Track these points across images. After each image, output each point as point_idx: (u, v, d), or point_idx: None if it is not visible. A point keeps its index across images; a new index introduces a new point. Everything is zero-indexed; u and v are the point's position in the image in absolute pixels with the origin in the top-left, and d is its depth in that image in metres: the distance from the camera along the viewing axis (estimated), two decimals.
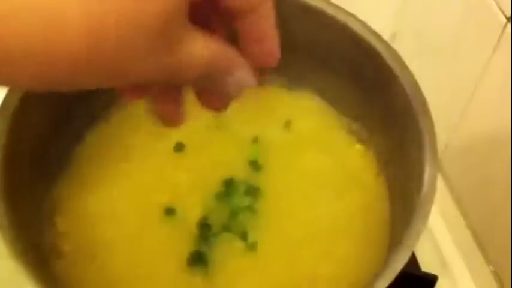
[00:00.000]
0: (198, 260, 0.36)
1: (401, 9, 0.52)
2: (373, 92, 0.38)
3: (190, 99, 0.40)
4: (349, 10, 0.38)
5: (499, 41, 0.40)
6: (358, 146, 0.41)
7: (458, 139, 0.47)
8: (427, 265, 0.44)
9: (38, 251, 0.33)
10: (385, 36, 0.37)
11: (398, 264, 0.29)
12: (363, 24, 0.37)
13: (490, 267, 0.45)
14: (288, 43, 0.39)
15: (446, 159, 0.48)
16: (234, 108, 0.41)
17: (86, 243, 0.36)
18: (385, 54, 0.36)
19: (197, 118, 0.40)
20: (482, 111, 0.44)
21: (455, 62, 0.47)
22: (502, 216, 0.42)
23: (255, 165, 0.40)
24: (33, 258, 0.30)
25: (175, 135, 0.40)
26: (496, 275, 0.45)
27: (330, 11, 0.38)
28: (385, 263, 0.31)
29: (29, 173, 0.34)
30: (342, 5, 0.38)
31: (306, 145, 0.41)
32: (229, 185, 0.38)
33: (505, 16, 0.38)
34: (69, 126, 0.38)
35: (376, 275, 0.30)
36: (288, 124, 0.42)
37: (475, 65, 0.43)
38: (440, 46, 0.48)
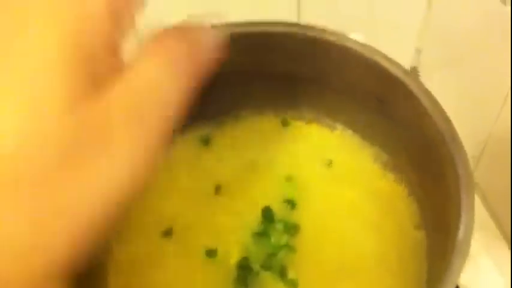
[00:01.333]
0: None
1: (424, 23, 0.53)
2: (401, 124, 0.38)
3: (224, 142, 0.43)
4: (374, 32, 0.39)
5: None
6: (390, 177, 0.41)
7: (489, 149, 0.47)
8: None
9: None
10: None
11: None
12: (391, 60, 0.38)
13: None
14: (319, 81, 0.41)
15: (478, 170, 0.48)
16: (266, 145, 0.43)
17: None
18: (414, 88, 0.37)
19: (234, 158, 0.42)
20: None
21: (480, 71, 0.47)
22: None
23: (291, 203, 0.40)
24: None
25: (213, 176, 0.41)
26: None
27: (358, 48, 0.39)
28: None
29: None
30: (369, 28, 0.39)
31: (340, 179, 0.42)
32: (268, 223, 0.39)
33: None
34: None
35: None
36: (321, 159, 0.42)
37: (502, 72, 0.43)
38: (466, 55, 0.48)
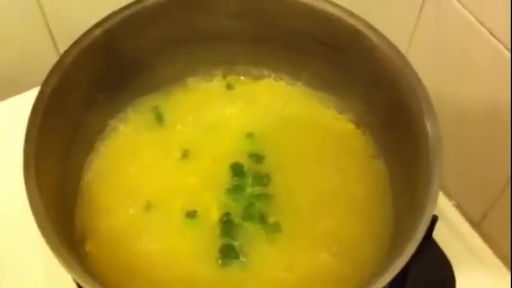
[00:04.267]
0: (229, 252, 0.38)
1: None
2: (352, 66, 0.42)
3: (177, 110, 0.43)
4: None
5: None
6: (343, 118, 0.44)
7: None
8: None
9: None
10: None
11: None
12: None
13: None
14: (260, 36, 0.43)
15: None
16: (225, 105, 0.44)
17: (120, 263, 0.37)
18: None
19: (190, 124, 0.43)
20: None
21: None
22: None
23: (256, 156, 0.42)
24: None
25: (177, 144, 0.42)
26: None
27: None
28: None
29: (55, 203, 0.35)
30: None
31: (296, 128, 0.44)
32: (239, 177, 0.41)
33: None
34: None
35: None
36: (275, 112, 0.45)
37: None
38: None
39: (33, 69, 0.53)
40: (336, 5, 0.41)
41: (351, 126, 0.44)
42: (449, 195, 0.50)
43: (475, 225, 0.49)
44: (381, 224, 0.40)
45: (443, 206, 0.49)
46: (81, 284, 0.31)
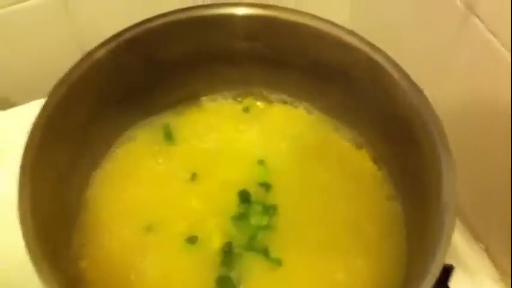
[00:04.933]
0: (225, 285, 0.37)
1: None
2: (368, 98, 0.40)
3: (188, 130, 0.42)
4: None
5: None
6: (359, 152, 0.43)
7: None
8: None
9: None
10: None
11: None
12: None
13: None
14: (277, 61, 0.42)
15: None
16: (239, 128, 0.43)
17: (113, 283, 0.36)
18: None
19: (202, 145, 0.42)
20: None
21: None
22: None
23: (265, 185, 0.41)
24: None
25: (186, 162, 0.41)
26: None
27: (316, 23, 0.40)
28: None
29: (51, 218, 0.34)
30: None
31: (309, 158, 0.43)
32: (245, 205, 0.39)
33: None
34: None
35: None
36: (288, 140, 0.43)
37: None
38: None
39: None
40: (354, 34, 0.39)
41: (367, 161, 0.42)
42: (476, 237, 0.47)
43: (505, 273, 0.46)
44: (392, 269, 0.38)
45: (467, 249, 0.46)
46: None
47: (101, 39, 0.38)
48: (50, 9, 0.50)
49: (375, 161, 0.42)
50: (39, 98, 0.49)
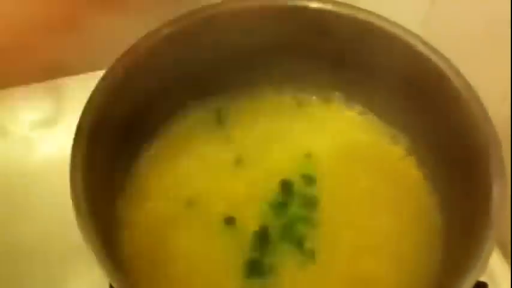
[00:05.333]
0: (255, 269, 0.38)
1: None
2: (427, 107, 0.40)
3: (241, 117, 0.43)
4: None
5: None
6: (409, 160, 0.42)
7: None
8: None
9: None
10: None
11: None
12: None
13: None
14: (337, 60, 0.42)
15: None
16: (290, 120, 0.43)
17: (148, 252, 0.37)
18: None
19: (252, 132, 0.43)
20: None
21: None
22: None
23: (309, 178, 0.41)
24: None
25: (233, 146, 0.42)
26: None
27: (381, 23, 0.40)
28: None
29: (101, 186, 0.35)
30: None
31: (358, 160, 0.43)
32: (286, 195, 0.40)
33: None
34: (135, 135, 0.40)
35: None
36: (340, 139, 0.43)
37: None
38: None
39: None
40: (427, 44, 0.39)
41: (415, 171, 0.42)
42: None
43: None
44: (424, 278, 0.37)
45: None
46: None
47: None
48: None
49: (424, 171, 0.42)
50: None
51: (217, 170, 0.42)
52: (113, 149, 0.37)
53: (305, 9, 0.41)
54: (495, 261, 0.46)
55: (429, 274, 0.37)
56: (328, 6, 0.41)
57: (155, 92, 0.40)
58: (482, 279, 0.38)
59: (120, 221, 0.38)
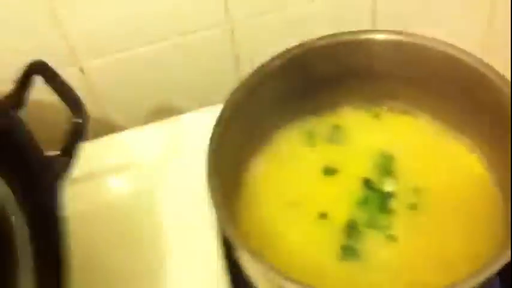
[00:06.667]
0: (349, 252, 0.46)
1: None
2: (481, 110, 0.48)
3: (325, 133, 0.52)
4: None
5: None
6: (472, 158, 0.50)
7: None
8: None
9: None
10: None
11: None
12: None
13: None
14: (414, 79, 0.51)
15: None
16: (369, 131, 0.52)
17: (262, 244, 0.47)
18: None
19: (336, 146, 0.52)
20: None
21: None
22: None
23: (387, 176, 0.50)
24: None
25: (322, 157, 0.52)
26: None
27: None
28: None
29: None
30: None
31: (428, 160, 0.51)
32: (369, 192, 0.49)
33: None
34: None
35: None
36: (412, 143, 0.52)
37: None
38: None
39: (215, 86, 0.68)
40: (483, 62, 0.48)
41: (479, 168, 0.50)
42: None
43: None
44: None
45: None
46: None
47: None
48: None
49: (486, 167, 0.50)
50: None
51: (310, 178, 0.51)
52: (233, 157, 0.48)
53: (371, 41, 0.51)
54: None
55: (491, 247, 0.44)
56: (389, 36, 0.51)
57: (263, 116, 0.51)
58: None
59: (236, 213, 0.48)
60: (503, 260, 0.37)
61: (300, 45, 0.51)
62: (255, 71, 0.50)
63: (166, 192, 0.59)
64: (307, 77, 0.52)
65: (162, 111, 0.68)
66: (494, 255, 0.38)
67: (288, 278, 0.39)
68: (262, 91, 0.50)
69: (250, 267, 0.46)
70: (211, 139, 0.46)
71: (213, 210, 0.42)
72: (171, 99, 0.69)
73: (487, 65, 0.48)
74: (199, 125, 0.62)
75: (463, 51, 0.48)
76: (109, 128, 0.69)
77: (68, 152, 0.45)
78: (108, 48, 0.63)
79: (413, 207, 0.48)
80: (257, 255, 0.41)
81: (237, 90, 0.49)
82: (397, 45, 0.51)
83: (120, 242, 0.56)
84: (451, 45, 0.49)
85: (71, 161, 0.45)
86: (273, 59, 0.50)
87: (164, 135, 0.64)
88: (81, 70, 0.64)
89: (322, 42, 0.51)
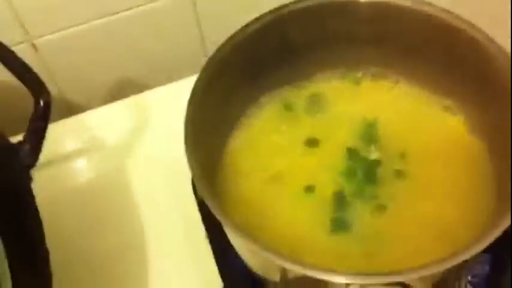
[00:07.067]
0: (339, 223, 0.45)
1: None
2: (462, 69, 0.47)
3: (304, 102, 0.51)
4: None
5: None
6: (454, 118, 0.50)
7: None
8: None
9: None
10: None
11: None
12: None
13: None
14: (382, 41, 0.49)
15: None
16: (349, 99, 0.51)
17: (248, 219, 0.45)
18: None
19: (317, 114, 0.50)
20: None
21: None
22: None
23: (372, 144, 0.49)
24: None
25: (303, 128, 0.51)
26: None
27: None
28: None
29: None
30: None
31: (411, 125, 0.50)
32: (354, 162, 0.48)
33: None
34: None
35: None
36: (393, 109, 0.51)
37: None
38: None
39: (183, 60, 0.65)
40: (460, 18, 0.46)
41: (461, 125, 0.49)
42: None
43: None
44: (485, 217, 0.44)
45: None
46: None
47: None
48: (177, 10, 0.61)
49: (471, 129, 0.49)
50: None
51: (292, 150, 0.50)
52: (210, 133, 0.46)
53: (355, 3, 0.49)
54: None
55: (485, 211, 0.44)
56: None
57: (236, 88, 0.49)
58: None
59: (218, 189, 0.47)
60: (505, 224, 0.36)
61: (276, 10, 0.48)
62: (228, 40, 0.47)
63: (139, 171, 0.57)
64: (283, 44, 0.50)
65: (127, 88, 0.64)
66: (495, 218, 0.38)
67: (278, 253, 0.38)
68: (236, 61, 0.48)
69: (237, 243, 0.44)
70: (187, 115, 0.44)
71: (192, 187, 0.41)
72: (134, 75, 0.65)
73: (468, 22, 0.46)
74: (169, 100, 0.60)
75: (444, 10, 0.47)
76: (68, 109, 0.65)
77: (33, 137, 0.42)
78: (62, 22, 0.59)
79: (400, 174, 0.47)
80: (243, 230, 0.39)
81: (210, 61, 0.46)
82: (375, 8, 0.49)
83: (96, 225, 0.54)
84: (430, 4, 0.47)
85: (37, 147, 0.42)
86: (247, 26, 0.48)
87: (131, 113, 0.61)
88: (34, 47, 0.60)
89: (300, 6, 0.48)
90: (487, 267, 0.48)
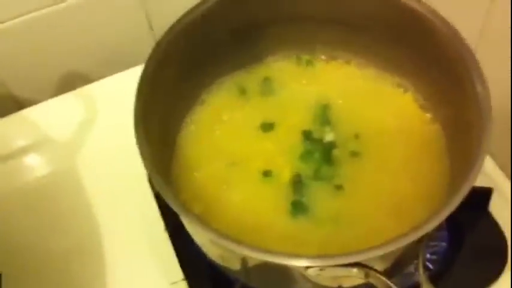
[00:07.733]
0: (299, 207, 0.45)
1: None
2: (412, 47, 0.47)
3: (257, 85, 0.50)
4: None
5: None
6: (408, 96, 0.50)
7: None
8: None
9: None
10: None
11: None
12: None
13: None
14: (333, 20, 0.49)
15: None
16: (302, 80, 0.50)
17: (205, 207, 0.45)
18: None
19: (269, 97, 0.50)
20: None
21: None
22: None
23: (327, 126, 0.49)
24: None
25: (257, 112, 0.50)
26: None
27: None
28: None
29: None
30: None
31: (366, 103, 0.50)
32: (309, 144, 0.48)
33: None
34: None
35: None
36: (346, 89, 0.51)
37: None
38: None
39: (131, 50, 0.63)
40: None
41: (412, 101, 0.50)
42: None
43: None
44: (439, 188, 0.44)
45: (500, 180, 0.52)
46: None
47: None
48: None
49: (423, 106, 0.49)
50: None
51: (247, 135, 0.49)
52: (161, 123, 0.45)
53: None
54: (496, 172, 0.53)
55: (441, 181, 0.44)
56: None
57: (185, 75, 0.48)
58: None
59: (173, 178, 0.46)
60: (459, 199, 0.37)
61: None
62: (174, 24, 0.46)
63: (91, 166, 0.55)
64: (232, 27, 0.49)
65: (75, 81, 0.62)
66: (450, 193, 0.38)
67: (236, 240, 0.37)
68: (185, 46, 0.47)
69: (195, 233, 0.44)
70: (136, 105, 0.42)
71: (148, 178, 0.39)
72: (82, 66, 0.63)
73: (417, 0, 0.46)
74: (119, 91, 0.58)
75: None
76: (12, 105, 0.63)
77: None
78: (4, 14, 0.56)
79: (355, 154, 0.47)
80: (200, 220, 0.39)
81: (157, 47, 0.45)
82: None
83: (48, 222, 0.52)
84: None
85: None
86: (192, 9, 0.46)
87: (78, 106, 0.59)
88: None
89: None
90: (444, 244, 0.49)
